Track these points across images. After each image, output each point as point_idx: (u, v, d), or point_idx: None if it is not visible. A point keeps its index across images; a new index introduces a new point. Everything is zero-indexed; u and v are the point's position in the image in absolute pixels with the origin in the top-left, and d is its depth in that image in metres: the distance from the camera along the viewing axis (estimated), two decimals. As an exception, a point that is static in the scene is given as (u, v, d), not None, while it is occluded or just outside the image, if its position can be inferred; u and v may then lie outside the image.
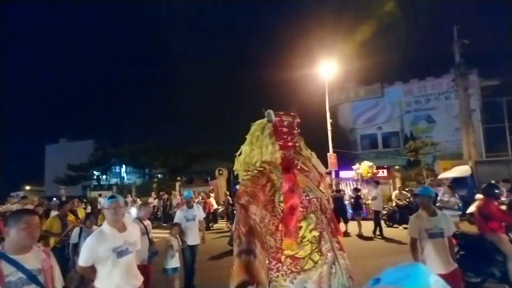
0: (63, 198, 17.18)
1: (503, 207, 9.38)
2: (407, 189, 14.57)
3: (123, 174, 40.96)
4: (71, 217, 5.73)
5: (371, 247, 8.84)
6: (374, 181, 12.32)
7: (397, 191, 13.77)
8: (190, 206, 5.68)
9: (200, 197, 14.29)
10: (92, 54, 70.37)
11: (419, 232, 3.55)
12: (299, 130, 2.35)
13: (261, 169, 2.09)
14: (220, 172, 20.57)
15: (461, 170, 15.30)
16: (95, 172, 34.64)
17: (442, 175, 16.09)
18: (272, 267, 1.98)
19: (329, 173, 16.92)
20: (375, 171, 15.81)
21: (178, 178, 22.76)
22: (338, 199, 10.49)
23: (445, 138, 24.27)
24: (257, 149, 2.26)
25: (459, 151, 20.26)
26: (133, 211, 12.22)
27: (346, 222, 10.97)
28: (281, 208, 2.02)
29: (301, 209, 2.02)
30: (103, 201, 12.68)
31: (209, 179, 24.51)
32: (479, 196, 12.55)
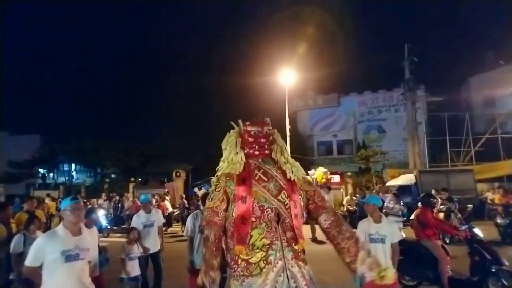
0: (1, 198, 15.74)
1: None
2: (357, 195, 15.29)
3: (72, 173, 38.50)
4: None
5: (323, 250, 9.12)
6: (326, 186, 12.76)
7: (348, 197, 14.41)
8: (148, 211, 5.36)
9: (154, 200, 13.87)
10: (38, 45, 65.48)
11: (364, 236, 3.77)
12: (270, 138, 2.42)
13: (217, 183, 2.33)
14: (178, 174, 20.14)
15: (407, 179, 16.36)
16: (40, 170, 32.15)
17: (390, 183, 17.10)
18: (231, 267, 2.22)
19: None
20: (329, 176, 16.39)
21: (132, 179, 21.86)
22: None
23: (394, 147, 25.90)
24: (223, 161, 2.41)
25: (406, 160, 21.70)
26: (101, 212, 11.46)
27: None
28: (233, 218, 2.19)
29: (253, 219, 2.14)
30: (57, 203, 11.57)
31: (165, 181, 23.85)
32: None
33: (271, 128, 2.46)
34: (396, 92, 24.50)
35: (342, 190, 18.09)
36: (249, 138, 2.37)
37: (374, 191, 15.38)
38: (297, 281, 2.11)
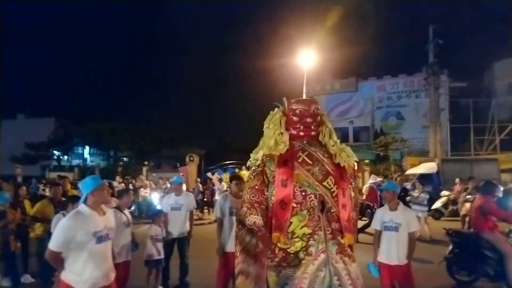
0: (19, 178, 15.88)
1: (467, 205, 9.76)
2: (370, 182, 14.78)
3: (86, 156, 38.92)
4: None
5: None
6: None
7: (367, 185, 13.95)
8: (179, 193, 5.08)
9: (168, 184, 13.71)
10: (54, 28, 65.64)
11: (380, 224, 3.75)
12: (318, 118, 2.21)
13: (258, 163, 2.14)
14: (191, 158, 19.92)
15: (428, 167, 15.79)
16: (55, 152, 32.56)
17: (410, 171, 16.55)
18: (268, 256, 2.02)
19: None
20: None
21: (146, 162, 21.82)
22: None
23: (413, 135, 25.06)
24: (266, 141, 2.22)
25: (425, 148, 20.98)
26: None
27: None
28: (272, 202, 2.01)
29: (294, 205, 1.96)
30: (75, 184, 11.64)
31: (178, 165, 23.78)
32: (444, 192, 13.11)
33: (319, 107, 2.23)
34: (418, 77, 23.52)
35: (359, 178, 17.62)
36: (294, 117, 2.18)
37: (395, 179, 14.86)
38: (341, 279, 1.88)
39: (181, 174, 18.08)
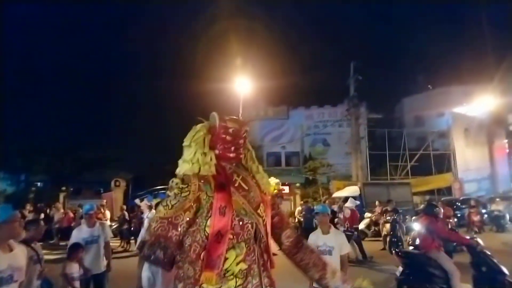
0: None
1: (387, 225, 10.66)
2: (302, 206, 15.42)
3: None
4: None
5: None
6: (279, 196, 12.63)
7: (299, 208, 14.43)
8: (91, 224, 4.56)
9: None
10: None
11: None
12: (246, 140, 2.01)
13: (185, 186, 1.74)
14: (117, 183, 18.59)
15: (352, 190, 17.02)
16: None
17: (336, 194, 17.65)
18: None
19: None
20: (280, 187, 16.36)
21: (63, 188, 19.63)
22: None
23: (337, 161, 26.99)
24: (189, 159, 1.87)
25: (348, 173, 22.70)
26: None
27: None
28: (206, 234, 1.68)
29: (231, 237, 1.70)
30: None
31: (102, 191, 21.86)
32: (367, 214, 14.18)
33: (248, 130, 2.04)
34: (340, 108, 25.71)
35: (290, 201, 18.22)
36: (227, 137, 1.92)
37: (323, 202, 15.65)
38: None
39: (105, 200, 16.66)
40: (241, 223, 1.73)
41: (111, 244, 4.86)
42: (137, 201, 17.28)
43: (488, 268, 4.77)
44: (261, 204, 1.85)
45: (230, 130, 1.91)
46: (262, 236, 1.82)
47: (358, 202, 11.76)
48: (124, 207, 14.22)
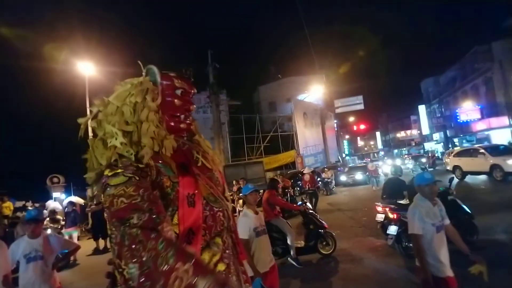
0: None
1: (240, 201, 12.22)
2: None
3: None
4: None
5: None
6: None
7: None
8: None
9: None
10: None
11: (248, 231, 3.36)
12: (194, 105, 1.55)
13: (142, 166, 1.21)
14: None
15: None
16: None
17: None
18: None
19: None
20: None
21: None
22: (97, 212, 9.69)
23: (204, 145, 28.15)
24: (132, 125, 1.29)
25: (214, 157, 24.07)
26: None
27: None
28: (175, 233, 1.23)
29: (203, 232, 1.30)
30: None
31: None
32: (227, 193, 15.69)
33: (195, 91, 1.56)
34: (204, 95, 26.76)
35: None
36: (175, 100, 1.44)
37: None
38: None
39: None
40: (211, 212, 1.34)
41: None
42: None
43: (314, 226, 6.19)
44: (224, 185, 1.51)
45: (179, 92, 1.45)
46: (232, 224, 1.47)
47: (312, 169, 15.23)
48: None
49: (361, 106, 35.12)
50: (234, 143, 26.96)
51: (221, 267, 1.31)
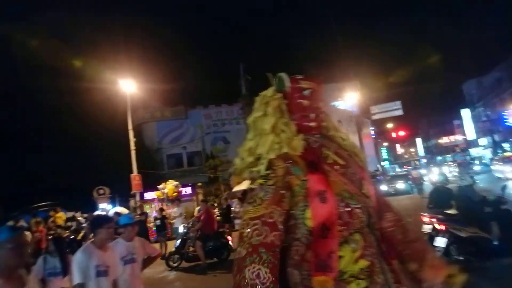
0: None
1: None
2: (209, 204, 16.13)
3: None
4: None
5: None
6: (177, 199, 13.05)
7: (198, 207, 15.07)
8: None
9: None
10: None
11: None
12: (324, 103, 1.65)
13: (270, 172, 1.36)
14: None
15: (248, 183, 18.43)
16: None
17: (235, 189, 18.80)
18: None
19: (134, 196, 16.47)
20: (180, 189, 16.68)
21: None
22: (140, 222, 10.28)
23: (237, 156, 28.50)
24: (261, 137, 1.47)
25: (247, 167, 24.22)
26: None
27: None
28: (308, 228, 1.32)
29: (340, 228, 1.32)
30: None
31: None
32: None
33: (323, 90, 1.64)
34: (236, 107, 27.21)
35: (193, 201, 18.63)
36: (303, 101, 1.53)
37: (224, 198, 16.61)
38: None
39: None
40: (347, 209, 1.35)
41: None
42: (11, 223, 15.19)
43: None
44: (363, 181, 1.47)
45: (306, 92, 1.53)
46: (374, 221, 1.44)
47: None
48: None
49: (400, 112, 33.73)
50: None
51: (362, 263, 1.31)
